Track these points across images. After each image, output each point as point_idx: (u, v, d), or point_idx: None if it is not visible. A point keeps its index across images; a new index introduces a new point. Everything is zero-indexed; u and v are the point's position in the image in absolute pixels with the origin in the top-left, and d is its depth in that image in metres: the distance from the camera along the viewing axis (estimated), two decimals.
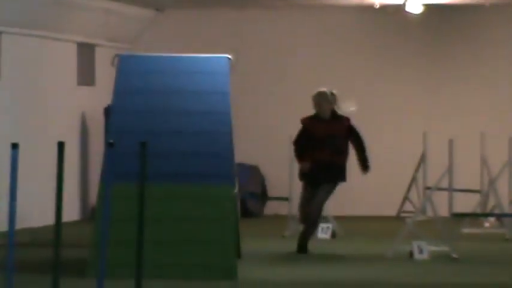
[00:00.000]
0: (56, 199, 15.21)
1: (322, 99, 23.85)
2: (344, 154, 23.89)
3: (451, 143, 28.68)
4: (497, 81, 38.83)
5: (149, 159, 18.82)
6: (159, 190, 22.55)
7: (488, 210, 33.81)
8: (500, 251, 30.00)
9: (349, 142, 24.11)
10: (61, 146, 17.85)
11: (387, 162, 36.63)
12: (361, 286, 22.93)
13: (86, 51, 38.50)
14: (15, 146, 16.08)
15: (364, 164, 24.04)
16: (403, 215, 34.35)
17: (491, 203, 33.33)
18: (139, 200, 17.86)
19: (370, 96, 38.47)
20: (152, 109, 24.88)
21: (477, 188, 33.79)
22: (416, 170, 33.81)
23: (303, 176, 24.31)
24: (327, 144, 23.51)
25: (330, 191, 23.90)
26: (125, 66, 25.62)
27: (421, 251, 26.46)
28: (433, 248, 27.08)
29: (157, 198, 22.28)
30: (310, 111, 30.05)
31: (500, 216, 32.79)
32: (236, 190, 25.71)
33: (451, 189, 29.60)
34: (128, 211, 20.34)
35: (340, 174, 23.89)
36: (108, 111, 32.43)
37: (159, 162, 23.25)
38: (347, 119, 24.08)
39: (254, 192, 37.51)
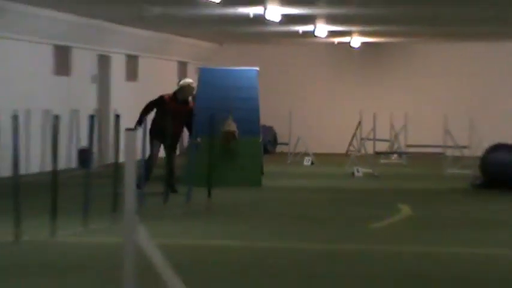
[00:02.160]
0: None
1: (186, 87, 28.42)
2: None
3: (375, 116, 41.84)
4: (405, 87, 51.57)
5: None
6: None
7: (393, 150, 46.85)
8: (399, 172, 41.76)
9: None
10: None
11: (343, 127, 48.13)
12: (330, 189, 32.66)
13: (182, 67, 49.88)
14: None
15: (192, 138, 28.36)
16: (349, 152, 44.19)
17: (396, 146, 46.29)
18: (209, 145, 27.78)
19: (332, 95, 52.08)
20: (219, 96, 32.84)
21: (387, 138, 46.25)
22: (356, 129, 43.98)
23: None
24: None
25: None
26: (203, 73, 34.99)
27: (358, 172, 37.43)
28: (365, 170, 37.93)
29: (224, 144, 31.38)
30: (295, 103, 48.02)
31: (400, 154, 45.76)
32: (261, 139, 35.36)
33: (374, 139, 42.76)
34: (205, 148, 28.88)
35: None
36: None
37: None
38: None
39: (270, 140, 51.37)
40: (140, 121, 25.83)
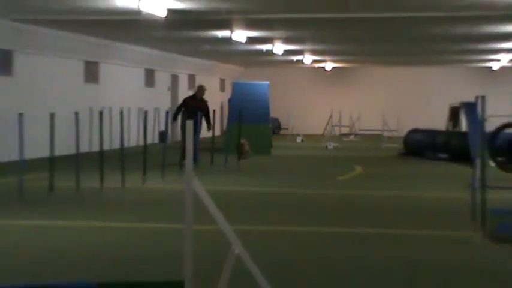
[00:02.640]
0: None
1: (200, 89, 26.56)
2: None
3: (340, 112, 41.57)
4: (359, 94, 50.43)
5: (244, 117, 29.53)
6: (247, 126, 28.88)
7: (351, 132, 45.35)
8: (355, 146, 39.25)
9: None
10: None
11: (321, 118, 44.78)
12: (313, 156, 32.26)
13: (222, 82, 48.07)
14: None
15: (209, 127, 25.93)
16: (324, 133, 41.63)
17: (353, 130, 45.30)
18: (239, 129, 26.99)
19: (314, 98, 50.50)
20: (245, 100, 31.58)
21: (348, 125, 45.51)
22: (329, 119, 40.71)
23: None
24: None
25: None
26: (235, 86, 34.21)
27: (330, 146, 36.38)
28: (334, 144, 37.04)
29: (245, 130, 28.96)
30: (292, 103, 45.14)
31: (355, 135, 44.58)
32: (270, 125, 34.05)
33: (340, 126, 43.10)
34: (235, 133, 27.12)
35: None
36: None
37: (250, 117, 30.18)
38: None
39: (276, 126, 46.81)
40: (174, 118, 25.70)
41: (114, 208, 16.63)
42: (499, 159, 22.68)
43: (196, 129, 24.13)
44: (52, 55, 28.36)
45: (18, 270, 10.41)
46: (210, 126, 25.65)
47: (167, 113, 29.64)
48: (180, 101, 39.15)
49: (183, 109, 25.51)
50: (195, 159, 23.67)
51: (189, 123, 6.92)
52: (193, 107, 24.84)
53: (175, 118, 25.57)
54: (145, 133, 21.57)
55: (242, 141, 27.52)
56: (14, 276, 9.83)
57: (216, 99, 40.24)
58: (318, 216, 15.96)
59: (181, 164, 22.81)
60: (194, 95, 25.69)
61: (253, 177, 23.32)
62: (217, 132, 31.33)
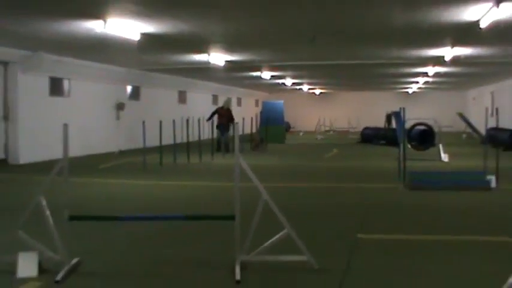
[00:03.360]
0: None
1: (227, 102, 24.01)
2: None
3: (324, 118, 39.39)
4: (337, 108, 48.47)
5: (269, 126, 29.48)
6: (270, 127, 28.69)
7: (331, 129, 43.44)
8: (333, 137, 37.50)
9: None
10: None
11: (313, 121, 43.37)
12: (309, 144, 30.92)
13: (256, 101, 46.38)
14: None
15: (232, 128, 22.37)
16: (315, 130, 39.82)
17: (332, 128, 43.41)
18: (266, 129, 28.52)
19: (310, 111, 48.39)
20: (270, 111, 30.84)
21: (328, 125, 43.73)
22: (318, 122, 40.44)
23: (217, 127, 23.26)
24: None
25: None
26: (264, 103, 33.15)
27: (318, 138, 34.79)
28: (321, 137, 35.83)
29: (269, 129, 28.63)
30: (297, 113, 43.47)
31: (333, 130, 42.01)
32: (284, 126, 32.90)
33: (324, 125, 40.33)
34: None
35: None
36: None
37: (272, 121, 29.50)
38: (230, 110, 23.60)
39: (287, 127, 40.59)
40: (209, 119, 23.17)
41: (195, 174, 16.53)
42: (413, 143, 22.62)
43: (226, 129, 22.73)
44: (161, 87, 28.35)
45: (140, 208, 10.44)
46: (232, 126, 22.28)
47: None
48: (237, 112, 40.21)
49: (216, 114, 23.40)
50: (227, 149, 22.17)
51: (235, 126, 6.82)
52: (222, 114, 23.21)
53: (210, 119, 23.12)
54: (212, 131, 21.65)
55: (254, 137, 25.50)
56: (137, 211, 9.84)
57: (253, 111, 39.09)
58: (313, 177, 15.79)
59: (217, 151, 21.76)
60: (222, 106, 23.61)
61: (274, 156, 22.64)
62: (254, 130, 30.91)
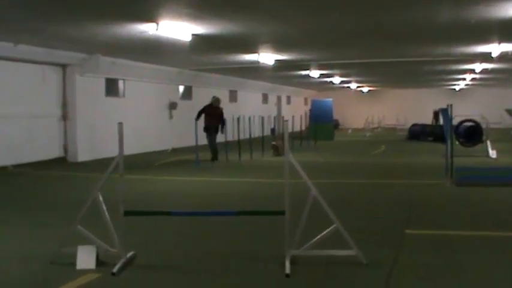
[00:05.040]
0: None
1: (216, 99, 18.91)
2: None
3: (373, 115, 39.31)
4: (383, 105, 47.41)
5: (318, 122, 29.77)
6: (320, 124, 28.50)
7: (379, 126, 43.19)
8: (381, 134, 37.03)
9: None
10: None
11: (363, 119, 43.49)
12: (357, 141, 30.55)
13: (306, 100, 45.75)
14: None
15: (222, 130, 18.56)
16: (363, 127, 40.12)
17: (380, 125, 43.43)
18: (316, 127, 28.95)
19: (359, 108, 47.63)
20: (319, 109, 30.56)
21: (377, 122, 43.48)
22: (366, 119, 40.68)
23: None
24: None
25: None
26: (314, 102, 32.79)
27: (366, 136, 34.48)
28: (369, 134, 35.47)
29: (318, 126, 28.52)
30: (345, 111, 42.41)
31: (381, 127, 41.62)
32: (333, 124, 32.54)
33: (372, 123, 39.95)
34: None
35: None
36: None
37: (322, 119, 29.21)
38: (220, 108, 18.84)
39: (336, 124, 39.14)
40: (197, 119, 18.49)
41: (246, 170, 16.59)
42: (460, 140, 22.33)
43: (215, 130, 18.71)
44: (212, 87, 28.28)
45: (192, 204, 10.55)
46: (222, 128, 18.79)
47: (274, 118, 29.77)
48: (282, 111, 40.22)
49: (204, 114, 18.85)
50: (215, 155, 18.77)
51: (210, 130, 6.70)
52: (211, 112, 18.62)
53: (197, 119, 18.51)
54: (263, 129, 21.72)
55: (276, 143, 21.26)
56: (189, 207, 9.96)
57: (302, 109, 39.26)
58: (361, 173, 15.65)
59: (213, 160, 18.45)
60: (211, 104, 18.96)
61: (323, 153, 22.59)
62: (303, 128, 30.80)
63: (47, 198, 11.60)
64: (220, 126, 18.68)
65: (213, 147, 18.68)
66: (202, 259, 6.70)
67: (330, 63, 23.37)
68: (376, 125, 43.93)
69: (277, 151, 20.33)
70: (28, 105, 17.69)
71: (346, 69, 27.77)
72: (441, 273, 5.98)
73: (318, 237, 6.29)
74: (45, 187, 13.35)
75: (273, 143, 20.70)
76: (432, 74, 30.49)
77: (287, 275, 5.79)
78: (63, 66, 19.00)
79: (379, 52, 19.61)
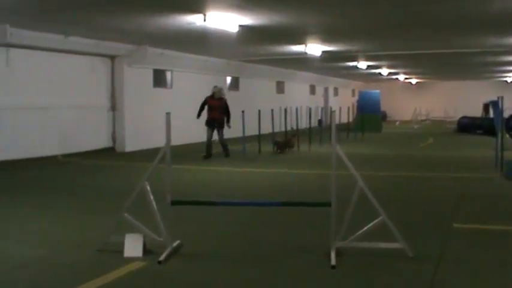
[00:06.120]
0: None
1: (218, 90, 17.26)
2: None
3: (420, 108, 39.13)
4: (432, 97, 46.86)
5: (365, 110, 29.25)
6: (367, 115, 28.50)
7: (427, 118, 43.65)
8: (429, 126, 36.40)
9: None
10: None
11: (409, 111, 43.84)
12: (405, 133, 30.20)
13: (353, 91, 45.28)
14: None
15: (228, 123, 17.00)
16: (411, 119, 40.13)
17: (428, 117, 42.90)
18: (362, 117, 28.72)
19: (406, 100, 47.08)
20: (367, 101, 30.65)
21: (426, 114, 43.56)
22: (414, 111, 42.04)
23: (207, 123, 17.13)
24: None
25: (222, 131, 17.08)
26: (361, 93, 32.64)
27: (415, 127, 33.97)
28: (417, 126, 34.75)
29: (366, 118, 28.46)
30: (391, 103, 41.59)
31: (429, 120, 41.98)
32: (380, 115, 32.46)
33: (420, 115, 40.45)
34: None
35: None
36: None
37: (369, 110, 29.36)
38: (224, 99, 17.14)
39: (383, 116, 39.87)
40: (199, 114, 17.18)
41: (292, 162, 16.55)
42: (511, 133, 22.18)
43: (221, 125, 17.23)
44: (259, 78, 28.54)
45: (238, 194, 10.58)
46: (228, 121, 17.27)
47: (322, 109, 29.67)
48: (328, 102, 39.95)
49: (206, 107, 17.35)
50: (227, 151, 17.56)
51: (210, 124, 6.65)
52: (213, 105, 17.12)
53: (199, 114, 17.24)
54: (310, 120, 21.63)
55: (290, 137, 19.87)
56: (235, 197, 9.99)
57: (349, 101, 38.84)
58: (409, 166, 15.57)
59: (205, 158, 17.01)
60: (213, 94, 17.38)
61: (370, 145, 22.48)
62: (351, 119, 30.60)
63: (95, 187, 11.78)
64: (226, 119, 17.19)
65: (222, 143, 17.45)
66: (248, 249, 6.75)
67: (377, 54, 23.20)
68: (424, 117, 43.27)
69: (281, 148, 18.95)
70: (78, 96, 17.98)
71: (394, 61, 27.51)
72: (489, 269, 5.89)
73: (364, 229, 6.27)
74: (93, 176, 13.56)
75: (277, 139, 19.18)
76: (482, 65, 29.91)
77: (333, 267, 5.80)
78: (112, 58, 19.28)
79: (427, 43, 19.32)
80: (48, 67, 16.84)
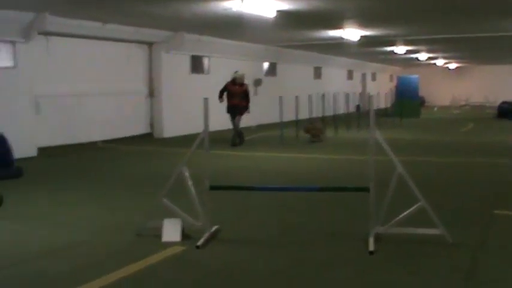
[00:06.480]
0: None
1: (240, 75, 16.74)
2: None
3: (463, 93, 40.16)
4: (472, 83, 45.57)
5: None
6: (405, 101, 28.95)
7: (466, 104, 44.17)
8: (469, 112, 36.07)
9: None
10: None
11: (447, 95, 44.86)
12: (444, 118, 29.99)
13: (391, 76, 44.81)
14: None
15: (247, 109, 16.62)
16: (450, 104, 40.53)
17: (467, 102, 42.91)
18: (400, 104, 29.92)
19: (445, 84, 46.13)
20: (405, 85, 30.67)
21: (464, 100, 43.69)
22: (453, 96, 42.98)
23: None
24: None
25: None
26: (400, 78, 32.43)
27: (454, 112, 33.68)
28: (456, 112, 34.24)
29: (404, 103, 30.10)
30: (430, 88, 41.44)
31: (469, 105, 41.87)
32: (419, 101, 31.96)
33: (459, 100, 41.43)
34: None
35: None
36: None
37: (407, 95, 29.85)
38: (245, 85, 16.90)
39: (422, 101, 39.10)
40: (221, 99, 16.65)
41: (330, 147, 16.46)
42: None
43: (241, 111, 16.80)
44: (296, 63, 28.40)
45: (276, 179, 10.61)
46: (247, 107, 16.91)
47: (360, 94, 29.43)
48: (366, 87, 39.56)
49: (226, 93, 16.81)
50: (241, 137, 17.18)
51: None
52: (234, 91, 16.65)
53: (221, 99, 16.66)
54: (348, 106, 21.60)
55: (315, 125, 18.61)
56: (273, 182, 10.02)
57: (387, 86, 38.58)
58: (448, 151, 15.39)
59: (233, 145, 16.57)
60: (233, 80, 16.89)
61: (409, 130, 22.24)
62: (388, 105, 30.38)
63: (134, 173, 11.90)
64: (246, 106, 16.83)
65: (237, 129, 16.95)
66: (285, 234, 6.78)
67: (416, 38, 22.90)
68: (463, 103, 42.65)
69: (313, 134, 18.07)
70: (116, 83, 18.14)
71: (433, 45, 27.14)
72: None
73: (403, 214, 6.21)
74: (132, 162, 13.69)
75: (309, 125, 18.29)
76: None
77: (371, 252, 5.79)
78: (149, 44, 19.38)
79: (467, 26, 18.97)
80: (86, 54, 17.00)
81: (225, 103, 16.90)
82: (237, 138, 16.86)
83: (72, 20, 14.96)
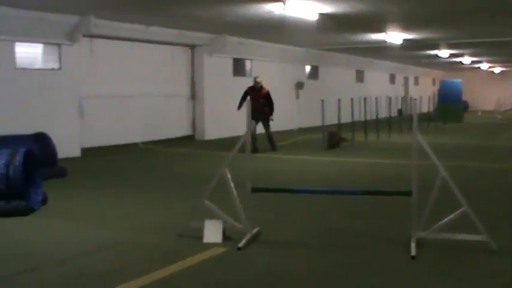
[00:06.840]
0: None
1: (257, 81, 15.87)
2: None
3: (504, 97, 39.13)
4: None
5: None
6: (448, 105, 28.30)
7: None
8: (488, 118, 40.75)
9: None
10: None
11: (492, 100, 43.80)
12: (487, 123, 29.48)
13: (434, 81, 44.49)
14: None
15: (271, 116, 15.90)
16: (495, 109, 39.08)
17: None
18: (443, 109, 29.21)
19: (489, 88, 45.79)
20: (448, 89, 29.90)
21: (509, 104, 44.14)
22: (498, 100, 42.99)
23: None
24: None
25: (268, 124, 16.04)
26: (442, 82, 31.79)
27: (498, 117, 33.17)
28: (500, 116, 33.90)
29: (447, 107, 29.07)
30: (475, 93, 40.91)
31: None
32: (462, 105, 31.93)
33: (504, 104, 40.53)
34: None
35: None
36: None
37: (450, 99, 29.12)
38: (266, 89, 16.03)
39: (465, 106, 38.91)
40: (240, 106, 15.80)
41: (372, 151, 16.40)
42: None
43: (265, 117, 16.16)
44: (338, 67, 28.37)
45: (316, 182, 10.58)
46: (270, 113, 16.22)
47: (402, 98, 29.14)
48: (408, 91, 39.18)
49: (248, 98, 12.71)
50: (273, 144, 16.42)
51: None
52: (254, 97, 15.24)
53: (240, 106, 15.88)
54: (390, 110, 21.38)
55: (333, 130, 17.71)
56: (314, 185, 9.95)
57: (430, 90, 38.02)
58: (492, 157, 15.12)
59: (254, 152, 13.15)
60: (253, 86, 16.29)
61: (451, 135, 21.91)
62: (431, 109, 30.00)
63: (175, 174, 11.96)
64: (270, 111, 16.16)
65: (269, 136, 16.37)
66: (327, 236, 6.77)
67: (460, 42, 22.65)
68: (508, 107, 41.95)
69: (336, 140, 17.36)
70: (159, 85, 18.30)
71: (477, 49, 26.80)
72: None
73: (446, 219, 6.14)
74: (174, 163, 13.76)
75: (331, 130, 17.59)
76: None
77: (412, 257, 5.72)
78: (192, 47, 19.52)
79: None
80: (130, 57, 17.21)
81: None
82: (257, 144, 15.68)
83: (116, 23, 15.20)
